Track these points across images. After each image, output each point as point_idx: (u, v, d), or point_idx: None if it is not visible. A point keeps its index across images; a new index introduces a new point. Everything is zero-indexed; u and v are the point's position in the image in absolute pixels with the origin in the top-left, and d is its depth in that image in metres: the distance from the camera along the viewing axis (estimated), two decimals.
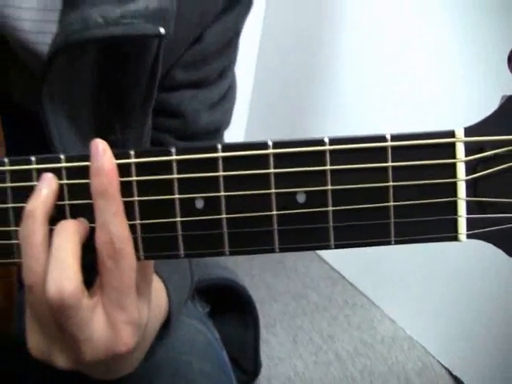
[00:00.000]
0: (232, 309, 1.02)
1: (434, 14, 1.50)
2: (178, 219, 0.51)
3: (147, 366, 0.79)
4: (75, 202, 0.54)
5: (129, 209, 0.52)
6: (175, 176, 0.51)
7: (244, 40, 0.92)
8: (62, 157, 0.54)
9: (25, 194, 0.54)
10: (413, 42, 1.56)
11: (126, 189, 0.52)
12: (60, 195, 0.54)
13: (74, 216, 0.54)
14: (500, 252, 0.50)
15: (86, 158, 0.52)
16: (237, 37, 0.89)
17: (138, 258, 0.53)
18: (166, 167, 0.51)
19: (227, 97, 0.92)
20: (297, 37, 2.03)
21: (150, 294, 0.57)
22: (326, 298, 1.66)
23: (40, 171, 0.54)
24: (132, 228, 0.52)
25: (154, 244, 0.53)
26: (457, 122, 0.51)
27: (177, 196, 0.51)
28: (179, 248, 0.52)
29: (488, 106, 0.49)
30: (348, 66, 1.85)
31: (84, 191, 0.53)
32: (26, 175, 0.54)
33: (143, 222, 0.52)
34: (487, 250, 0.53)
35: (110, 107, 0.77)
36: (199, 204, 0.51)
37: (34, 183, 0.54)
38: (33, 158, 0.54)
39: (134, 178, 0.52)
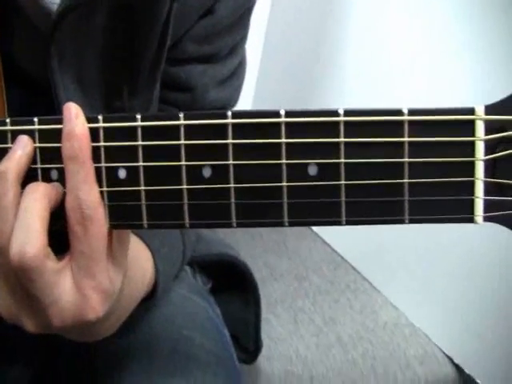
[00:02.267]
0: (233, 286, 1.02)
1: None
2: (184, 187, 0.50)
3: (146, 340, 0.79)
4: (48, 165, 0.53)
5: (133, 174, 0.51)
6: (182, 142, 0.49)
7: (252, 16, 0.91)
8: (36, 119, 0.53)
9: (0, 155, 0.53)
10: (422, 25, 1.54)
11: (131, 153, 0.50)
12: (33, 159, 0.53)
13: (46, 180, 0.53)
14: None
15: (60, 121, 0.51)
16: (249, 13, 0.88)
17: (142, 227, 0.52)
18: (173, 133, 0.49)
19: (237, 74, 0.91)
20: (305, 13, 2.02)
21: (126, 262, 0.57)
22: (328, 281, 1.65)
23: (15, 133, 0.53)
24: (136, 195, 0.51)
25: (158, 212, 0.51)
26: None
27: (183, 163, 0.49)
28: (184, 217, 0.50)
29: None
30: (356, 42, 1.83)
31: (58, 155, 0.52)
32: (1, 137, 0.54)
33: (148, 188, 0.51)
34: (497, 237, 0.51)
35: (119, 71, 0.76)
36: (207, 172, 0.49)
37: (9, 145, 0.53)
38: (7, 120, 0.54)
39: (140, 143, 0.50)
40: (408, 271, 1.60)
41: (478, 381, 1.37)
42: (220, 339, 0.88)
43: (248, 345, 1.04)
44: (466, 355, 1.41)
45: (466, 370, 1.40)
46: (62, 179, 0.53)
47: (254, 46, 2.10)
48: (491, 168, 0.47)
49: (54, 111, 0.73)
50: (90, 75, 0.75)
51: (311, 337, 1.38)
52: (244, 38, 0.91)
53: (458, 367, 1.41)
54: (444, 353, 1.44)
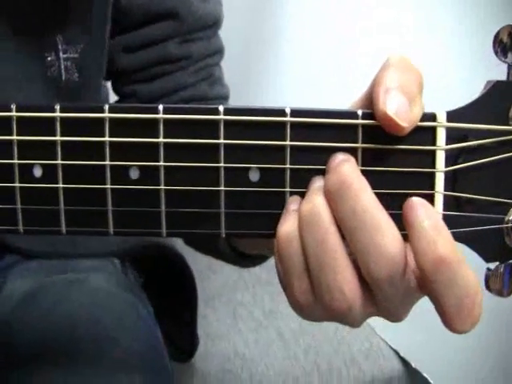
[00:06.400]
0: (168, 280, 0.97)
1: None
2: (109, 187, 0.45)
3: (69, 343, 0.74)
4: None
5: (51, 172, 0.45)
6: (107, 139, 0.44)
7: None
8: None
9: None
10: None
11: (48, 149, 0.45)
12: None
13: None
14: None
15: None
16: None
17: (60, 233, 0.46)
18: (95, 128, 0.44)
19: None
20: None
21: None
22: (269, 271, 1.60)
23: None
24: (55, 198, 0.45)
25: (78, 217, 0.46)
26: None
27: (108, 163, 0.44)
28: (109, 225, 0.46)
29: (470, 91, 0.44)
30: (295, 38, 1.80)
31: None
32: None
33: (65, 186, 0.45)
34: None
35: (51, 16, 0.72)
36: (134, 174, 0.44)
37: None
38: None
39: (58, 138, 0.44)
40: None
41: (425, 374, 1.36)
42: (150, 340, 0.82)
43: (183, 344, 1.00)
44: (412, 348, 1.39)
45: (413, 364, 1.38)
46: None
47: None
48: (451, 180, 0.43)
49: None
50: (23, 25, 0.71)
51: (251, 332, 1.35)
52: None
53: (404, 361, 1.39)
54: (390, 346, 1.42)
